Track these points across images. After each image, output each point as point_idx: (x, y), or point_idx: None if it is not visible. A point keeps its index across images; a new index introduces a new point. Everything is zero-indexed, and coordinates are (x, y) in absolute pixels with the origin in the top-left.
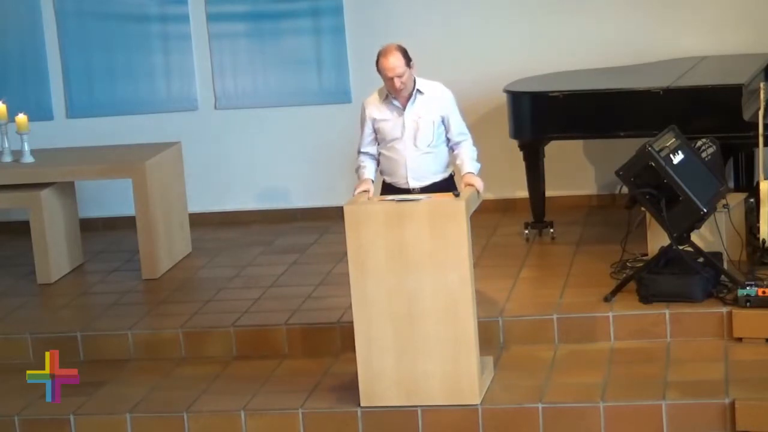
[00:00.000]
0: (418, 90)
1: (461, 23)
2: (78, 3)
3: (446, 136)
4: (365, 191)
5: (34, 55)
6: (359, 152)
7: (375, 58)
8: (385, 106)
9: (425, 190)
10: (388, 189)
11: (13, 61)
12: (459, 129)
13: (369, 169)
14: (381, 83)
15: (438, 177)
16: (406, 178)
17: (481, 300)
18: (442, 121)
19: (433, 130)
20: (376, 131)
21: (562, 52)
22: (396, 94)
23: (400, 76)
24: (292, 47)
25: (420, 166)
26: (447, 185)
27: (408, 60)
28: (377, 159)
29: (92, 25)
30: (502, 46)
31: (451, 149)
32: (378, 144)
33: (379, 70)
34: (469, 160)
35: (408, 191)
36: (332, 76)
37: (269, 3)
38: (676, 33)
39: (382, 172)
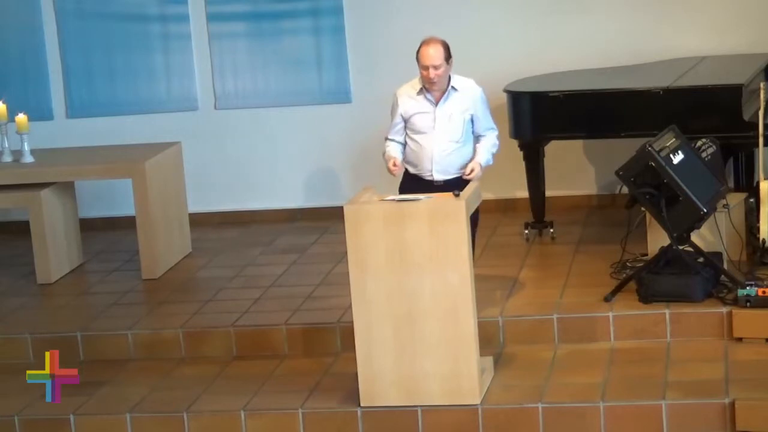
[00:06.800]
0: (452, 87)
1: (461, 23)
2: (78, 3)
3: (473, 130)
4: (394, 163)
5: (34, 55)
6: (387, 139)
7: (376, 58)
8: (419, 99)
9: (448, 183)
10: (411, 180)
11: (13, 61)
12: (486, 124)
13: (396, 149)
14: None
15: (461, 172)
16: (431, 170)
17: (481, 300)
18: (471, 118)
19: (462, 127)
20: (405, 122)
21: (562, 52)
22: (428, 86)
23: (436, 68)
24: (292, 47)
25: (445, 160)
26: (468, 180)
27: (448, 55)
28: (404, 147)
29: (92, 25)
30: (502, 46)
31: (477, 140)
32: (406, 134)
33: (417, 58)
34: (484, 151)
35: (431, 183)
36: (332, 76)
37: (269, 3)
38: (676, 33)
39: (407, 162)
